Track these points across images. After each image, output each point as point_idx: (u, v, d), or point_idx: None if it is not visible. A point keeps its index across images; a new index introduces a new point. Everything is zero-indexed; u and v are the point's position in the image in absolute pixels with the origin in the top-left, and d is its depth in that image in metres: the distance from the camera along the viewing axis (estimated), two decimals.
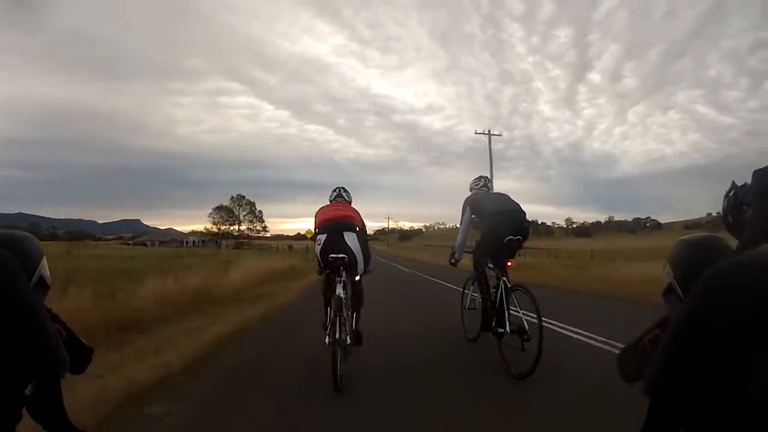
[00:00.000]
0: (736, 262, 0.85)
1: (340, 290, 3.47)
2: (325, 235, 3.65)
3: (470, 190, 4.47)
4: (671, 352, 0.91)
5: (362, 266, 3.78)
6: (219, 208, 73.11)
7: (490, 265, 4.04)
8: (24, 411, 1.18)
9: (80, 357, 1.37)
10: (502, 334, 3.70)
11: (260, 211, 75.57)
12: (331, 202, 4.20)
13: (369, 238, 4.69)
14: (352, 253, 3.61)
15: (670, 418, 0.95)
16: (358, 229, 3.79)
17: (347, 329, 3.44)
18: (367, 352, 3.92)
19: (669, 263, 1.21)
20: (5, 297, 1.03)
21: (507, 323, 3.63)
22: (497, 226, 3.87)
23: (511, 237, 3.79)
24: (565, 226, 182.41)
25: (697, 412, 0.87)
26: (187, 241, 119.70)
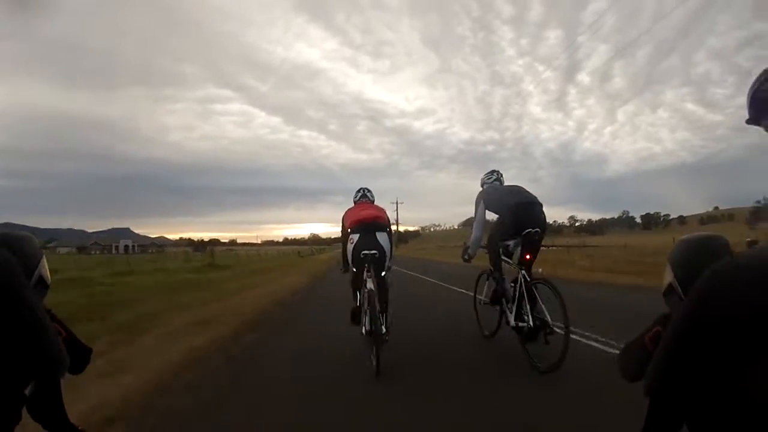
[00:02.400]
0: (735, 262, 0.84)
1: (370, 284, 3.75)
2: (358, 235, 3.94)
3: (482, 185, 4.45)
4: (671, 352, 0.91)
5: (389, 262, 4.07)
6: None
7: (507, 260, 4.02)
8: (24, 411, 1.19)
9: (79, 357, 1.37)
10: (523, 328, 3.65)
11: None
12: (356, 202, 4.50)
13: None
14: (383, 250, 3.93)
15: (670, 418, 0.96)
16: (387, 228, 4.09)
17: (381, 319, 3.66)
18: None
19: (669, 262, 1.21)
20: (5, 297, 1.03)
21: (529, 317, 3.58)
22: (515, 219, 3.83)
23: (530, 230, 3.77)
24: (568, 224, 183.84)
25: (697, 411, 0.88)
26: (116, 246, 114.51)
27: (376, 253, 3.85)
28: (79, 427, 1.38)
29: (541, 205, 3.95)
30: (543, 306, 3.57)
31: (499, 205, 4.02)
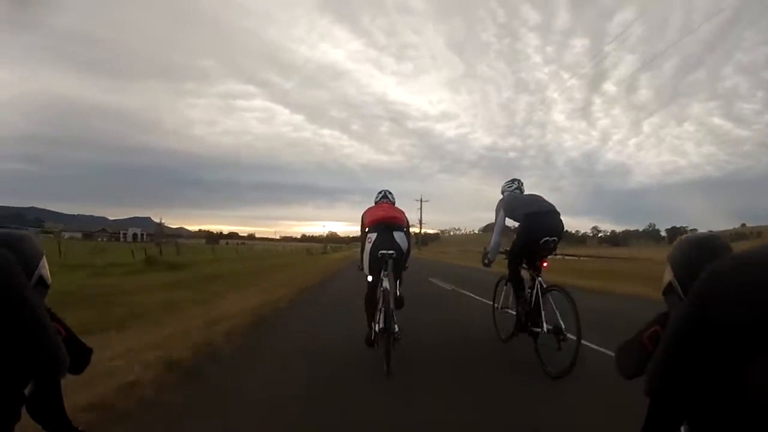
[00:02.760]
0: (735, 261, 0.86)
1: (386, 283, 3.82)
2: (376, 234, 4.02)
3: (502, 192, 4.57)
4: (671, 352, 0.93)
5: (406, 262, 4.19)
6: None
7: (525, 266, 4.12)
8: (24, 411, 1.19)
9: (79, 357, 1.36)
10: (537, 333, 3.76)
11: None
12: (376, 203, 4.60)
13: None
14: (401, 250, 4.01)
15: (670, 418, 0.98)
16: (405, 228, 4.18)
17: (395, 319, 3.75)
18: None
19: (669, 262, 1.23)
20: (5, 297, 1.03)
21: (543, 323, 3.69)
22: (533, 227, 3.96)
23: (547, 238, 3.90)
24: (591, 234, 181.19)
25: (698, 411, 0.89)
26: (125, 234, 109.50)
27: (393, 253, 3.92)
28: (79, 428, 1.37)
29: (559, 214, 4.08)
30: (557, 312, 3.67)
31: (518, 213, 4.14)
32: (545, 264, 3.98)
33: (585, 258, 45.35)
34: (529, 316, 3.91)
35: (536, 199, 4.23)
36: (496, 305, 4.90)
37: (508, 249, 4.28)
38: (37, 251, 1.27)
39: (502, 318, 4.75)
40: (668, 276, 1.21)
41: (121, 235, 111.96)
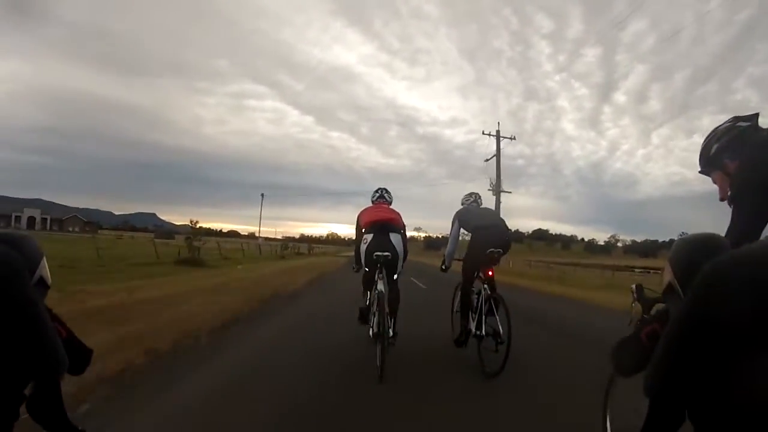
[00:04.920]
0: (734, 258, 0.86)
1: (381, 286, 3.91)
2: (371, 235, 4.13)
3: (461, 204, 4.98)
4: (671, 350, 0.93)
5: (401, 265, 4.27)
6: None
7: (480, 275, 4.49)
8: (24, 411, 1.20)
9: (79, 357, 1.37)
10: (481, 337, 4.12)
11: None
12: (373, 202, 4.64)
13: None
14: (396, 252, 4.12)
15: (670, 418, 1.00)
16: (401, 230, 4.29)
17: (388, 322, 3.84)
18: None
19: (669, 262, 1.23)
20: (7, 295, 1.04)
21: (483, 327, 4.07)
22: (481, 239, 4.36)
23: (492, 249, 4.28)
24: (606, 242, 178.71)
25: (698, 410, 0.90)
26: (18, 217, 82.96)
27: (388, 255, 4.00)
28: (79, 428, 1.37)
29: (507, 229, 4.52)
30: (497, 318, 4.05)
31: (470, 225, 4.56)
32: (491, 273, 4.35)
33: (639, 270, 43.00)
34: (476, 320, 4.28)
35: (487, 213, 4.65)
36: (455, 308, 5.25)
37: (464, 257, 4.64)
38: (37, 251, 1.27)
39: (457, 321, 5.09)
40: (668, 276, 1.22)
41: (13, 218, 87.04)
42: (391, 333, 3.87)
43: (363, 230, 4.23)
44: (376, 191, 4.70)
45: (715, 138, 1.60)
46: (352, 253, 4.97)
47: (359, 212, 4.45)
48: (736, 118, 1.59)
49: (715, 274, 0.84)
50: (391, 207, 4.58)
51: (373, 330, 3.86)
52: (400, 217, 4.41)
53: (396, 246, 4.11)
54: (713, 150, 1.59)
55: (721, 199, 1.55)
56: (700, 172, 1.71)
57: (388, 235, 4.11)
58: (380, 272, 3.99)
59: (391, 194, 4.70)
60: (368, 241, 4.10)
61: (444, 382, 3.81)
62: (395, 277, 4.17)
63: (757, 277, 0.77)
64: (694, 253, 1.15)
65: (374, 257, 4.01)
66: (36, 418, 1.26)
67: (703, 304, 0.85)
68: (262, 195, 58.48)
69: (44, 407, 1.27)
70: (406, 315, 4.73)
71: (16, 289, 1.06)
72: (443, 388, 3.63)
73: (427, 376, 3.91)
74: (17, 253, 1.11)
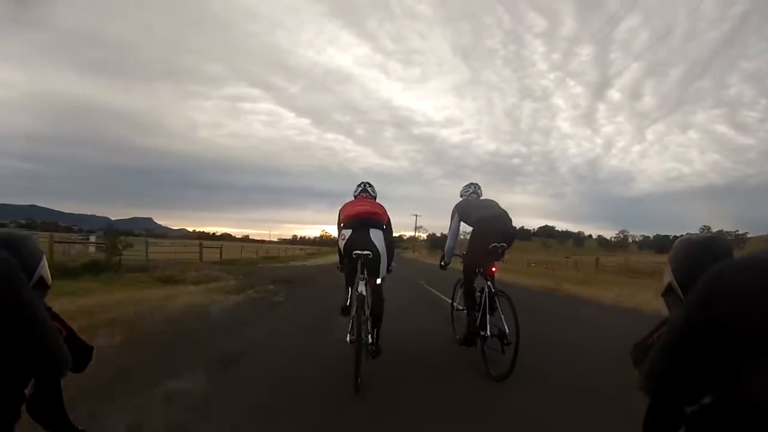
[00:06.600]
0: (737, 264, 0.86)
1: (362, 288, 3.59)
2: (350, 231, 3.73)
3: (460, 196, 4.72)
4: (668, 351, 0.94)
5: (386, 266, 3.85)
6: None
7: (480, 270, 4.25)
8: (24, 411, 1.21)
9: (80, 355, 1.38)
10: (485, 337, 3.88)
11: None
12: (355, 197, 4.24)
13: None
14: (377, 250, 3.69)
15: (669, 418, 0.99)
16: (384, 226, 3.86)
17: (368, 328, 3.60)
18: None
19: (669, 263, 1.23)
20: (4, 297, 1.04)
21: (488, 327, 3.81)
22: (483, 232, 4.11)
23: (495, 244, 4.04)
24: (618, 238, 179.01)
25: (698, 412, 0.89)
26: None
27: (369, 254, 3.63)
28: (79, 427, 1.37)
29: (510, 220, 4.21)
30: (502, 316, 3.82)
31: (471, 218, 4.28)
32: (494, 269, 4.10)
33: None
34: (479, 318, 4.05)
35: (489, 204, 4.36)
36: (454, 304, 5.06)
37: (465, 252, 4.40)
38: (37, 251, 1.29)
39: (458, 319, 4.92)
40: (668, 277, 1.22)
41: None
42: (370, 340, 3.60)
43: (342, 225, 3.83)
44: (359, 185, 4.29)
45: None
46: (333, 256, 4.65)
47: (340, 207, 4.04)
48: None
49: (720, 279, 0.84)
50: (375, 201, 4.18)
51: (349, 336, 3.54)
52: (385, 212, 3.96)
53: (377, 244, 3.67)
54: None
55: None
56: None
57: (369, 232, 3.69)
58: (361, 272, 3.67)
59: (375, 188, 4.29)
60: (346, 237, 3.71)
61: (444, 390, 3.58)
62: (378, 281, 3.76)
63: (761, 284, 0.77)
64: (695, 254, 1.16)
65: (354, 256, 3.66)
66: (36, 417, 1.27)
67: (704, 309, 0.85)
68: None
69: (44, 407, 1.28)
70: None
71: (9, 295, 1.05)
72: (444, 394, 3.40)
73: (420, 383, 3.64)
74: (14, 254, 1.12)
